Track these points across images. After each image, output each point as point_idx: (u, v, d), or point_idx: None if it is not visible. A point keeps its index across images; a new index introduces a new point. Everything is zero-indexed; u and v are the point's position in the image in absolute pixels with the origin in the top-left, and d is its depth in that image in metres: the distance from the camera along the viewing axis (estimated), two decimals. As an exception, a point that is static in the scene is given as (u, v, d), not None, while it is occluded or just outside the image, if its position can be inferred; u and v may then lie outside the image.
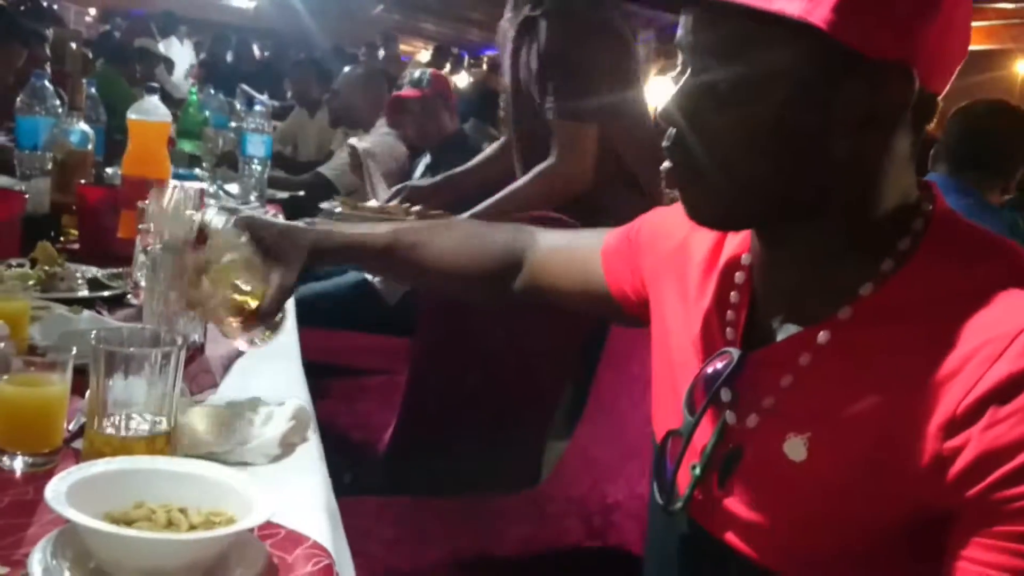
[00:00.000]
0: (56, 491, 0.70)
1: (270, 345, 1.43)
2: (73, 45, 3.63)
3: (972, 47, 0.77)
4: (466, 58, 9.93)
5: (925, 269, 0.72)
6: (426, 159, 3.30)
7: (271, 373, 1.29)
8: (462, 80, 8.01)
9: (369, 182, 3.35)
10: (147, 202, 1.28)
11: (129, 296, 1.50)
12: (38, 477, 0.85)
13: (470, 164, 2.66)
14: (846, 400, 0.70)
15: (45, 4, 5.89)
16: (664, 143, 0.76)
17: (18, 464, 0.87)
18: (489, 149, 2.71)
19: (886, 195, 0.74)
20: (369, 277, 2.40)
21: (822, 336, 0.73)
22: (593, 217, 2.11)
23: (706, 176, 0.73)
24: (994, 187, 2.50)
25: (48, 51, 4.12)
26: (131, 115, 2.01)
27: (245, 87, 5.18)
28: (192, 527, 0.73)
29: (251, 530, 0.76)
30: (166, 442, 0.88)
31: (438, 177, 2.70)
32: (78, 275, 1.53)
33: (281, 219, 2.39)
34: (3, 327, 1.03)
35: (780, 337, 0.78)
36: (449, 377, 1.83)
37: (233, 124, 3.79)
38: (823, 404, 0.72)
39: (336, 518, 0.93)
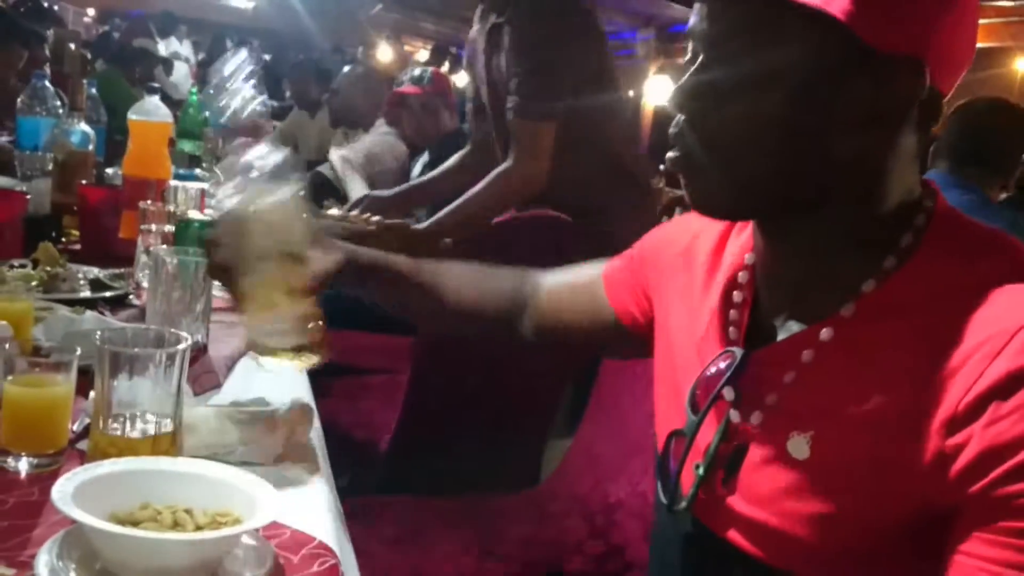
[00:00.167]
0: (62, 492, 0.70)
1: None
2: (72, 46, 3.62)
3: (974, 46, 0.77)
4: (465, 58, 9.89)
5: (927, 265, 0.72)
6: (424, 158, 3.31)
7: (274, 373, 1.29)
8: (461, 80, 8.00)
9: (343, 188, 3.37)
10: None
11: (131, 296, 1.51)
12: (43, 478, 0.85)
13: (432, 174, 2.67)
14: (849, 397, 0.71)
15: (45, 5, 5.89)
16: (671, 130, 0.75)
17: (23, 465, 0.87)
18: (452, 160, 2.73)
19: (891, 192, 0.74)
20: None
21: (825, 333, 0.73)
22: (596, 217, 2.14)
23: (712, 165, 0.73)
24: (994, 184, 2.50)
25: (47, 52, 4.12)
26: (132, 116, 2.02)
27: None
28: (198, 528, 0.73)
29: (257, 530, 0.76)
30: (171, 442, 0.88)
31: (399, 188, 2.71)
32: (80, 276, 1.53)
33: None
34: (7, 328, 1.03)
35: (783, 335, 0.78)
36: (451, 377, 1.83)
37: (233, 124, 3.79)
38: (826, 401, 0.72)
39: (340, 518, 0.94)
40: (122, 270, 1.58)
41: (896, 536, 0.69)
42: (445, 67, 8.15)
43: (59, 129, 2.16)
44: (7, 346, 0.92)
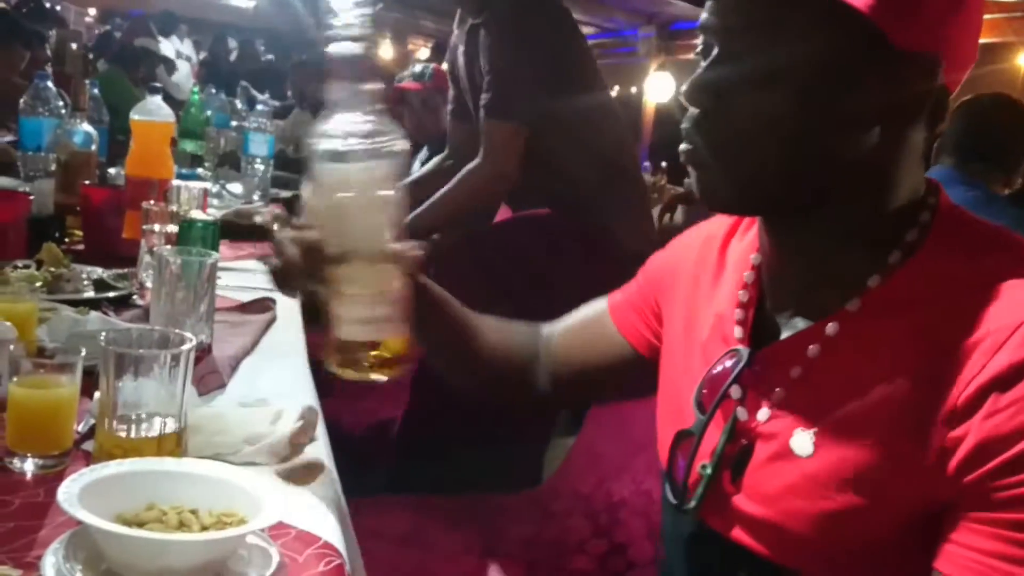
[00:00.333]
0: (68, 493, 0.71)
1: (276, 345, 1.44)
2: (74, 46, 3.63)
3: (975, 40, 0.78)
4: (447, 62, 9.87)
5: (932, 261, 0.72)
6: (423, 154, 3.31)
7: (278, 373, 1.29)
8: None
9: None
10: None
11: (135, 297, 1.51)
12: (49, 479, 0.85)
13: (409, 180, 2.68)
14: (854, 392, 0.71)
15: (47, 5, 5.89)
16: (684, 124, 0.75)
17: (29, 466, 0.87)
18: (430, 164, 2.74)
19: (899, 189, 0.74)
20: None
21: (831, 328, 0.74)
22: (590, 214, 2.14)
23: (725, 159, 0.73)
24: (998, 180, 2.50)
25: (49, 52, 4.12)
26: (134, 115, 2.02)
27: (246, 84, 5.17)
28: (204, 528, 0.73)
29: (262, 530, 0.76)
30: (176, 443, 0.88)
31: None
32: (84, 276, 1.53)
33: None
34: (11, 329, 1.03)
35: (789, 333, 0.78)
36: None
37: (235, 124, 3.79)
38: (831, 396, 0.72)
39: (346, 518, 0.94)
40: (126, 270, 1.59)
41: (900, 532, 0.69)
42: (445, 65, 8.15)
43: (62, 130, 2.16)
44: (12, 347, 0.92)
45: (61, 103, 2.37)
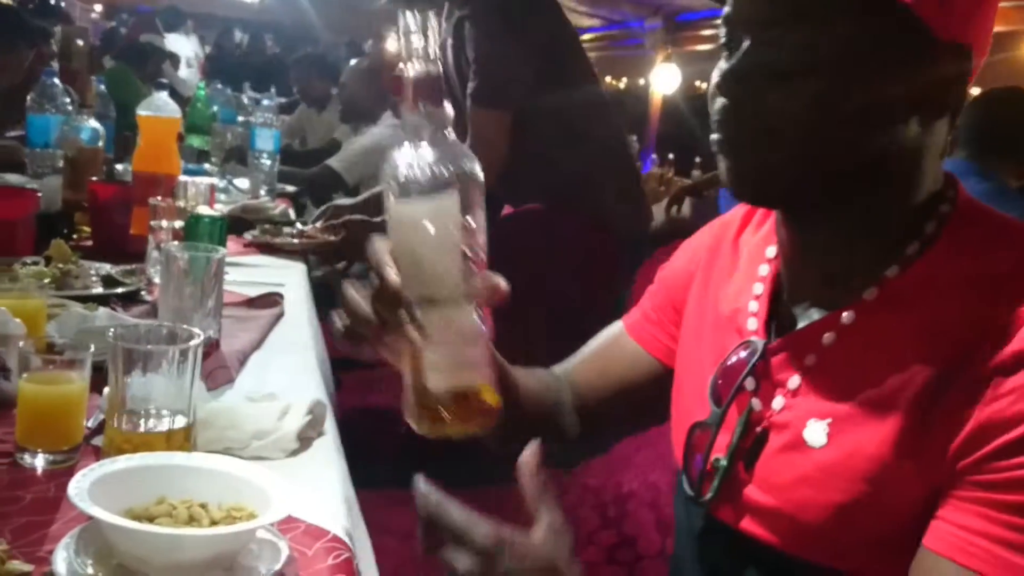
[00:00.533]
0: (79, 488, 0.71)
1: (284, 339, 1.44)
2: (80, 42, 3.63)
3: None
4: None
5: (950, 252, 0.72)
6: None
7: (287, 367, 1.30)
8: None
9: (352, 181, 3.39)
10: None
11: (143, 292, 1.51)
12: (59, 474, 0.86)
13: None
14: (868, 382, 0.71)
15: (52, 2, 5.90)
16: (716, 116, 0.75)
17: (39, 462, 0.88)
18: None
19: (925, 180, 0.75)
20: None
21: (847, 316, 0.74)
22: (585, 204, 2.15)
23: (759, 149, 0.73)
24: (1012, 173, 2.49)
25: (55, 48, 4.13)
26: (141, 111, 2.02)
27: (251, 93, 5.15)
28: (213, 522, 0.74)
29: (271, 525, 0.76)
30: (185, 438, 0.88)
31: (362, 195, 2.73)
32: (92, 272, 1.53)
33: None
34: (21, 326, 1.03)
35: (804, 324, 0.78)
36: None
37: (241, 119, 3.80)
38: (845, 386, 0.73)
39: (355, 511, 0.94)
40: (134, 266, 1.59)
41: (909, 521, 0.69)
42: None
43: (69, 126, 2.17)
44: (21, 344, 0.93)
45: (68, 100, 2.38)
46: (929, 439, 0.67)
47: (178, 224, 1.55)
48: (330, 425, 1.08)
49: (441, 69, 0.72)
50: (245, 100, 4.38)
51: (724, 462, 0.79)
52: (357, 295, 0.77)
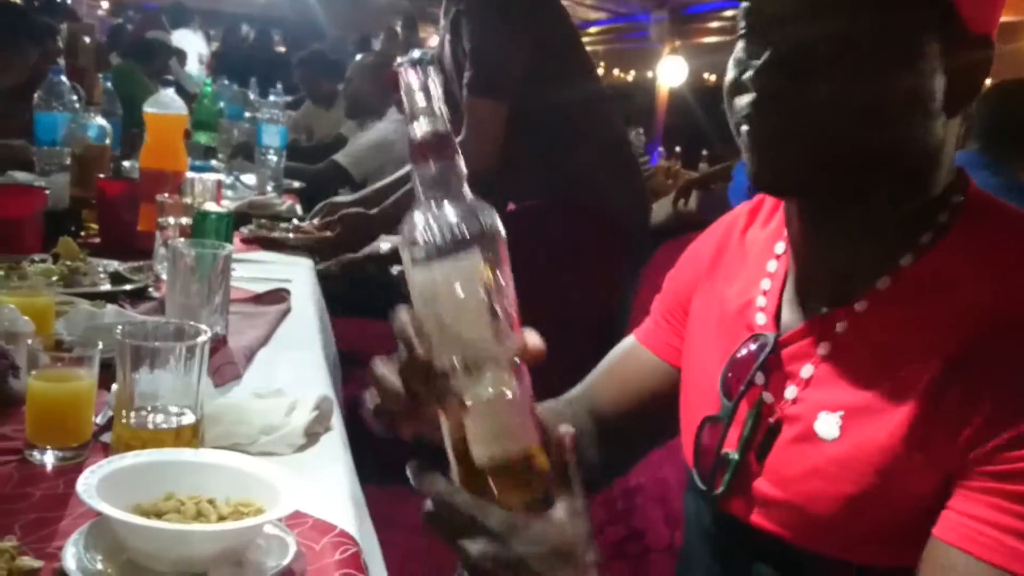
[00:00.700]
0: (87, 484, 0.71)
1: (291, 335, 1.44)
2: (86, 39, 3.63)
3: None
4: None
5: (962, 242, 0.73)
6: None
7: (294, 363, 1.30)
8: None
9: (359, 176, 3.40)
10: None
11: (151, 289, 1.52)
12: (68, 470, 0.86)
13: (390, 179, 2.68)
14: (880, 372, 0.71)
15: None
16: (744, 111, 0.74)
17: (48, 458, 0.88)
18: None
19: (943, 172, 0.74)
20: (395, 270, 2.42)
21: (859, 306, 0.74)
22: (587, 198, 2.15)
23: (788, 142, 0.72)
24: (1022, 165, 2.48)
25: (61, 46, 4.14)
26: (148, 108, 2.02)
27: (255, 98, 5.15)
28: (221, 518, 0.74)
29: (279, 520, 0.77)
30: (193, 434, 0.89)
31: (358, 193, 2.73)
32: (100, 269, 1.54)
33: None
34: (29, 323, 1.04)
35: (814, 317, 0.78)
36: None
37: (248, 115, 3.80)
38: (858, 377, 0.73)
39: (362, 506, 0.94)
40: (141, 263, 1.60)
41: (920, 512, 0.69)
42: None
43: (76, 124, 2.17)
44: (29, 341, 0.93)
45: (75, 97, 2.38)
46: (940, 429, 0.67)
47: (185, 221, 1.55)
48: (337, 420, 1.08)
49: (448, 127, 0.68)
50: (251, 96, 4.38)
51: (736, 456, 0.79)
52: (386, 371, 0.73)
